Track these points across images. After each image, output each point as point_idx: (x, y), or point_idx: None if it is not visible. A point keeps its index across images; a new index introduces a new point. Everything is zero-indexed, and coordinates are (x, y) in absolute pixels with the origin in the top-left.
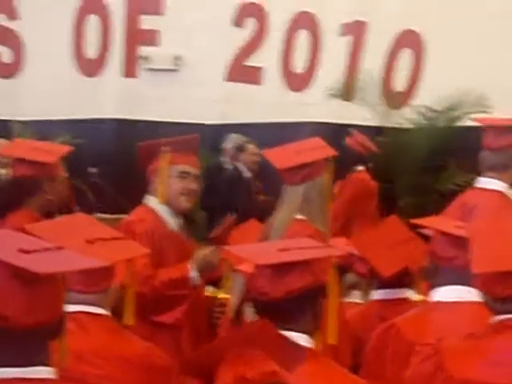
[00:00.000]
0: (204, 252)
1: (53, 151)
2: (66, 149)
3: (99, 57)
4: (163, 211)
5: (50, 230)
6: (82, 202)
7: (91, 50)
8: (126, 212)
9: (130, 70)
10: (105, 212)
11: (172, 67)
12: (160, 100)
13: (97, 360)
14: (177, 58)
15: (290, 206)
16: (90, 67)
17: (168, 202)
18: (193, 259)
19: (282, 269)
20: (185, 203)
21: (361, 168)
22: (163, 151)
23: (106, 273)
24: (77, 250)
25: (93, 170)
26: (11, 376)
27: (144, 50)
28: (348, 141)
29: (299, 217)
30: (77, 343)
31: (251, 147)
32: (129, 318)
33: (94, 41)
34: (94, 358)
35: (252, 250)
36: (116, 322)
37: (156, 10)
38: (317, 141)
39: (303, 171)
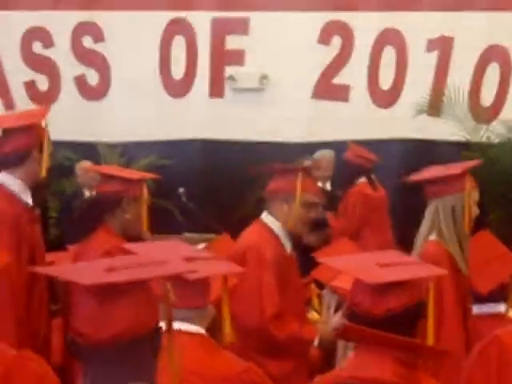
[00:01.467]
0: (328, 328)
1: (138, 173)
2: (151, 174)
3: (186, 77)
4: (281, 233)
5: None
6: (170, 221)
7: (178, 71)
8: (212, 231)
9: (216, 90)
10: (192, 231)
11: (258, 86)
12: (246, 119)
13: (194, 378)
14: (263, 77)
15: (425, 223)
16: (177, 88)
17: (290, 228)
18: (321, 329)
19: (384, 286)
20: (303, 231)
21: (362, 180)
22: (297, 177)
23: (203, 289)
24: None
25: (180, 190)
26: None
27: (230, 70)
28: (347, 155)
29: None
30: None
31: (324, 164)
32: (230, 336)
33: (181, 62)
34: (192, 377)
35: (349, 263)
36: (212, 340)
37: (241, 29)
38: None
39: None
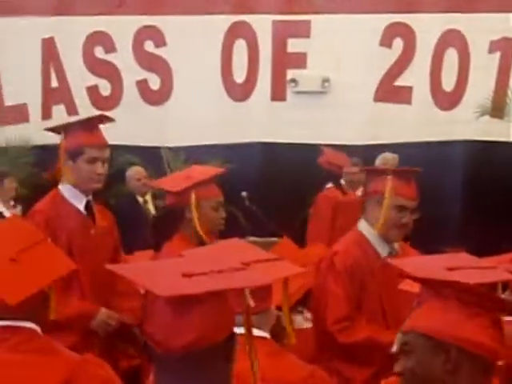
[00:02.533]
0: None
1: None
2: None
3: (247, 81)
4: (374, 239)
5: (205, 255)
6: (234, 225)
7: (239, 75)
8: (275, 235)
9: (278, 94)
10: (256, 235)
11: (320, 89)
12: (308, 123)
13: (258, 383)
14: (325, 80)
15: None
16: (239, 92)
17: (380, 231)
18: None
19: None
20: (397, 237)
21: (330, 185)
22: (388, 179)
23: (264, 293)
24: (231, 273)
25: (243, 193)
26: None
27: (292, 73)
28: (320, 160)
29: None
30: (238, 366)
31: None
32: (291, 338)
33: (242, 65)
34: (257, 381)
35: (417, 266)
36: (275, 343)
37: (303, 32)
38: None
39: None
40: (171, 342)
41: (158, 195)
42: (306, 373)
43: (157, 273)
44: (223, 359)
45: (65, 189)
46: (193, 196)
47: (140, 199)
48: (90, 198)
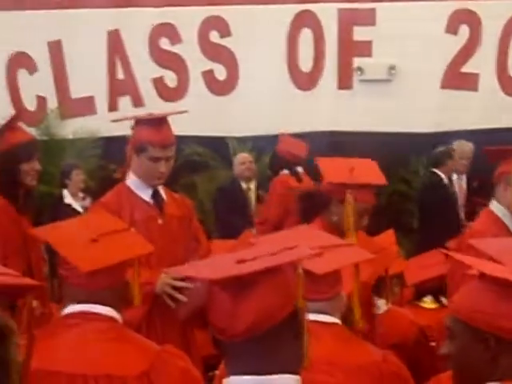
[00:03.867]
0: None
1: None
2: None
3: (313, 70)
4: (507, 218)
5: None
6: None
7: (305, 64)
8: None
9: (344, 82)
10: None
11: (386, 77)
12: (375, 110)
13: (329, 368)
14: (391, 68)
15: None
16: (305, 81)
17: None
18: None
19: None
20: None
21: (285, 172)
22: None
23: (332, 279)
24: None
25: (313, 182)
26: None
27: (358, 62)
28: (277, 147)
29: None
30: (310, 352)
31: (458, 154)
32: (358, 322)
33: (308, 54)
34: (327, 367)
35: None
36: (347, 329)
37: (368, 20)
38: None
39: None
40: (233, 327)
41: (261, 185)
42: (378, 358)
43: (214, 264)
44: (290, 337)
45: (131, 180)
46: (349, 195)
47: (244, 185)
48: (158, 187)
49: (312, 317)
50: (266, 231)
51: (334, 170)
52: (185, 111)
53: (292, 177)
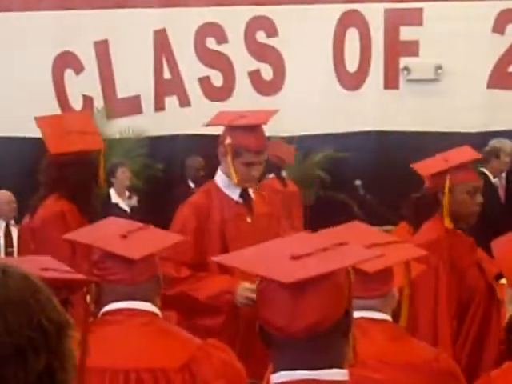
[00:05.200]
0: None
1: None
2: None
3: (360, 70)
4: None
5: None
6: (348, 214)
7: (351, 64)
8: (390, 223)
9: (390, 82)
10: (371, 224)
11: (433, 77)
12: (421, 110)
13: (380, 365)
14: (437, 68)
15: None
16: (351, 81)
17: None
18: None
19: None
20: None
21: (271, 176)
22: None
23: (384, 277)
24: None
25: (357, 182)
26: (303, 378)
27: (404, 61)
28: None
29: None
30: (359, 349)
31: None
32: (403, 321)
33: (354, 54)
34: (377, 364)
35: None
36: (398, 326)
37: (415, 20)
38: None
39: None
40: (294, 326)
41: (306, 184)
42: (430, 356)
43: (265, 258)
44: (339, 335)
45: (220, 179)
46: (447, 180)
47: None
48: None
49: (363, 314)
50: None
51: (429, 164)
52: (276, 111)
53: (278, 180)
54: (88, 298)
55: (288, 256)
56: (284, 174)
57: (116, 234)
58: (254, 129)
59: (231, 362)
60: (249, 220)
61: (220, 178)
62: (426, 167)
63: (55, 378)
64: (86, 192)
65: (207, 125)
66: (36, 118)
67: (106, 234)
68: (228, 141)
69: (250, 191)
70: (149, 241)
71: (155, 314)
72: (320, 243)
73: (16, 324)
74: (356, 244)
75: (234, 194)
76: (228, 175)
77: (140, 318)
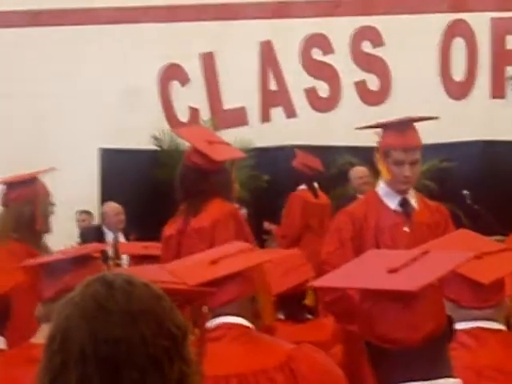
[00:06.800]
0: None
1: None
2: None
3: (466, 79)
4: None
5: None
6: (456, 224)
7: (458, 73)
8: (499, 233)
9: (497, 91)
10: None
11: None
12: None
13: (496, 374)
14: None
15: None
16: (458, 90)
17: None
18: None
19: None
20: None
21: (302, 187)
22: None
23: (497, 286)
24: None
25: (465, 192)
26: None
27: (511, 70)
28: (294, 162)
29: None
30: (476, 359)
31: None
32: None
33: (461, 63)
34: (494, 373)
35: None
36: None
37: None
38: None
39: None
40: (412, 336)
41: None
42: None
43: (362, 275)
44: (446, 342)
45: (380, 187)
46: None
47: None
48: (407, 195)
49: (479, 324)
50: (285, 245)
51: None
52: (435, 117)
53: (309, 192)
54: (205, 308)
55: (384, 270)
56: (315, 184)
57: (206, 261)
58: (403, 127)
59: (330, 363)
60: (406, 229)
61: (380, 186)
62: None
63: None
64: (232, 196)
65: (358, 128)
66: (175, 130)
67: (196, 263)
68: (378, 141)
69: (413, 200)
70: (236, 263)
71: (248, 327)
72: (403, 255)
73: (150, 334)
74: (439, 250)
75: (392, 203)
76: (387, 183)
77: (236, 330)
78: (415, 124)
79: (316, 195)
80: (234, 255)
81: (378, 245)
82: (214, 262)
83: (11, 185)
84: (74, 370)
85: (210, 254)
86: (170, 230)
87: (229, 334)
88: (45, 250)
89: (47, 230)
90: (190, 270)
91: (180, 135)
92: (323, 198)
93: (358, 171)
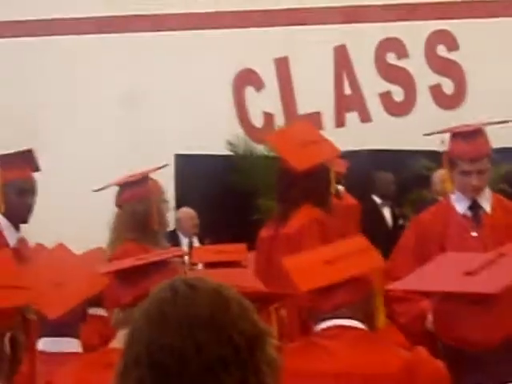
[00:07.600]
0: None
1: None
2: None
3: None
4: None
5: None
6: None
7: None
8: None
9: None
10: None
11: None
12: None
13: None
14: None
15: None
16: None
17: None
18: None
19: None
20: None
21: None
22: None
23: None
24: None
25: None
26: None
27: None
28: None
29: None
30: None
31: None
32: None
33: None
34: None
35: None
36: None
37: None
38: None
39: None
40: (492, 337)
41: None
42: None
43: (439, 278)
44: None
45: (453, 192)
46: None
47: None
48: (478, 198)
49: None
50: None
51: None
52: (510, 120)
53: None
54: (283, 311)
55: (460, 273)
56: (340, 187)
57: (321, 261)
58: (471, 135)
59: (444, 371)
60: (474, 234)
61: (454, 190)
62: None
63: None
64: (327, 199)
65: (425, 134)
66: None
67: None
68: (445, 150)
69: (485, 203)
70: (347, 266)
71: (364, 329)
72: (479, 257)
73: (205, 342)
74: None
75: (462, 207)
76: (459, 188)
77: (351, 332)
78: (493, 127)
79: (339, 197)
80: (351, 255)
81: (443, 251)
82: (329, 263)
83: (124, 185)
84: (131, 374)
85: (326, 251)
86: (265, 232)
87: (344, 334)
88: (163, 248)
89: (164, 227)
90: (304, 271)
91: (268, 141)
92: (349, 199)
93: (441, 175)
